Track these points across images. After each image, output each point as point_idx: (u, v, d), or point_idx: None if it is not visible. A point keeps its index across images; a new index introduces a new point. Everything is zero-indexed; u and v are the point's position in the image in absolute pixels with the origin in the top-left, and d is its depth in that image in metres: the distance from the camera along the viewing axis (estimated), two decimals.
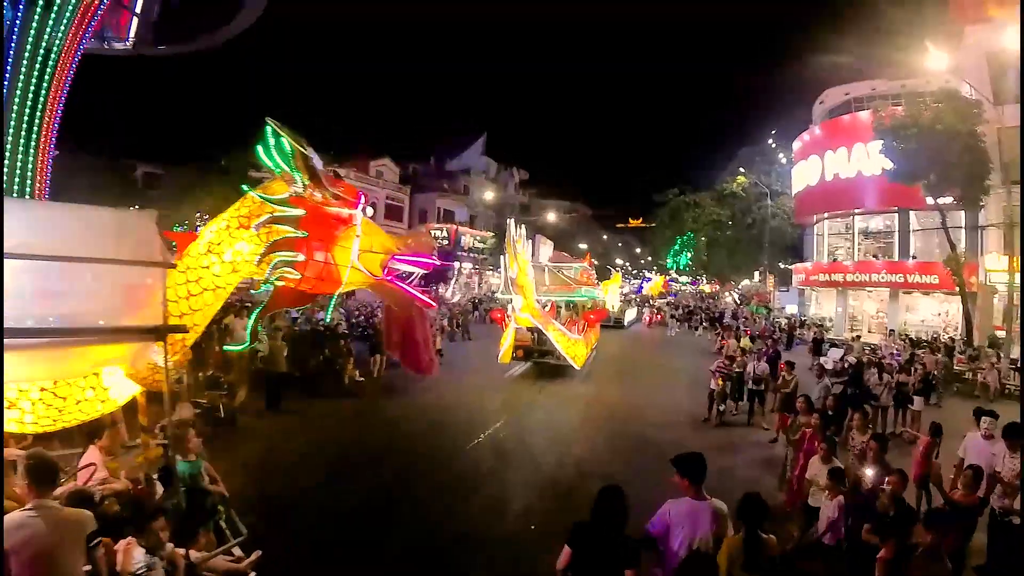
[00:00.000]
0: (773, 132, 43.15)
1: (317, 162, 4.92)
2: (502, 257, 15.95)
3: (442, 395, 14.71)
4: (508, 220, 16.33)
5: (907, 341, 21.60)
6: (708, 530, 3.98)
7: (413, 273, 5.65)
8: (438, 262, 5.87)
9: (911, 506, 4.69)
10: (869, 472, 5.38)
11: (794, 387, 11.34)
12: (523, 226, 16.52)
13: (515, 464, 9.71)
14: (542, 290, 18.94)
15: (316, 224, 4.97)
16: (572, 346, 17.23)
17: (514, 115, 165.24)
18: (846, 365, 14.40)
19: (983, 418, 6.83)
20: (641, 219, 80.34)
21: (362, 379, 14.77)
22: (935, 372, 15.13)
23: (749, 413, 12.86)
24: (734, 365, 13.19)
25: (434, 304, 5.76)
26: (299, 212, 4.88)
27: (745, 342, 17.79)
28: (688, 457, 4.20)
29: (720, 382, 12.72)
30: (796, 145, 36.35)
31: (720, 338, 24.32)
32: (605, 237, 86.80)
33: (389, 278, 5.30)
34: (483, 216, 57.06)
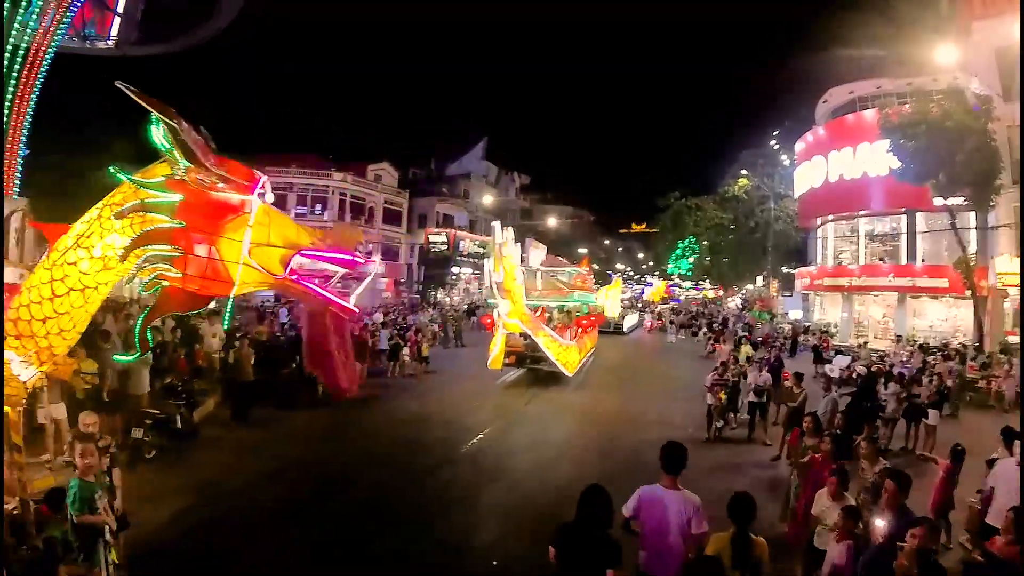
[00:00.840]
0: (776, 133, 42.10)
1: (192, 136, 4.03)
2: (486, 261, 15.23)
3: (425, 405, 13.91)
4: (493, 223, 15.62)
5: (918, 348, 20.56)
6: (678, 519, 4.17)
7: (335, 273, 4.75)
8: (363, 260, 4.98)
9: (941, 567, 3.79)
10: (880, 523, 4.43)
11: (802, 401, 10.40)
12: (510, 228, 15.73)
13: (491, 487, 8.88)
14: (534, 295, 18.34)
15: (197, 212, 4.11)
16: (563, 352, 16.60)
17: (516, 119, 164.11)
18: (854, 374, 13.41)
19: (1016, 442, 5.90)
20: (645, 224, 79.31)
21: None
22: (949, 381, 14.21)
23: (749, 427, 11.85)
24: (728, 374, 12.20)
25: (355, 310, 4.83)
26: (174, 197, 4.03)
27: (747, 349, 16.82)
28: (668, 447, 4.42)
29: (722, 396, 11.69)
30: (799, 146, 35.44)
31: (711, 342, 23.44)
32: (607, 242, 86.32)
33: (295, 277, 4.39)
34: (483, 221, 56.17)
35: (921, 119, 20.43)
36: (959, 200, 21.62)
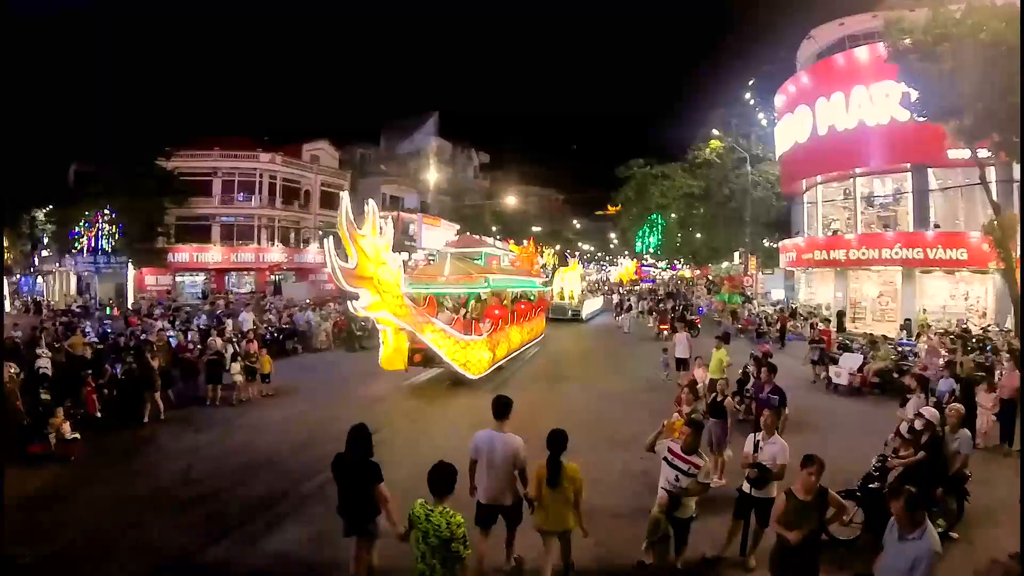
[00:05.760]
0: (751, 83, 36.50)
1: None
2: (326, 241, 10.77)
3: (207, 459, 8.66)
4: (341, 195, 11.36)
5: (959, 341, 15.05)
6: (501, 453, 5.16)
7: None
8: None
9: None
10: None
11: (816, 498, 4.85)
12: (372, 201, 11.22)
13: None
14: (439, 281, 13.78)
15: None
16: (463, 351, 12.93)
17: (473, 92, 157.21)
18: (911, 418, 7.11)
19: None
20: (620, 206, 75.09)
21: (76, 436, 8.74)
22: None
23: (733, 536, 5.97)
24: (695, 456, 5.48)
25: None
26: None
27: (721, 355, 11.24)
28: (496, 400, 5.42)
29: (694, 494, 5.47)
30: (779, 98, 30.28)
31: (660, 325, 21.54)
32: (575, 222, 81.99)
33: None
34: (437, 203, 51.06)
35: (944, 35, 15.41)
36: (984, 152, 16.77)
